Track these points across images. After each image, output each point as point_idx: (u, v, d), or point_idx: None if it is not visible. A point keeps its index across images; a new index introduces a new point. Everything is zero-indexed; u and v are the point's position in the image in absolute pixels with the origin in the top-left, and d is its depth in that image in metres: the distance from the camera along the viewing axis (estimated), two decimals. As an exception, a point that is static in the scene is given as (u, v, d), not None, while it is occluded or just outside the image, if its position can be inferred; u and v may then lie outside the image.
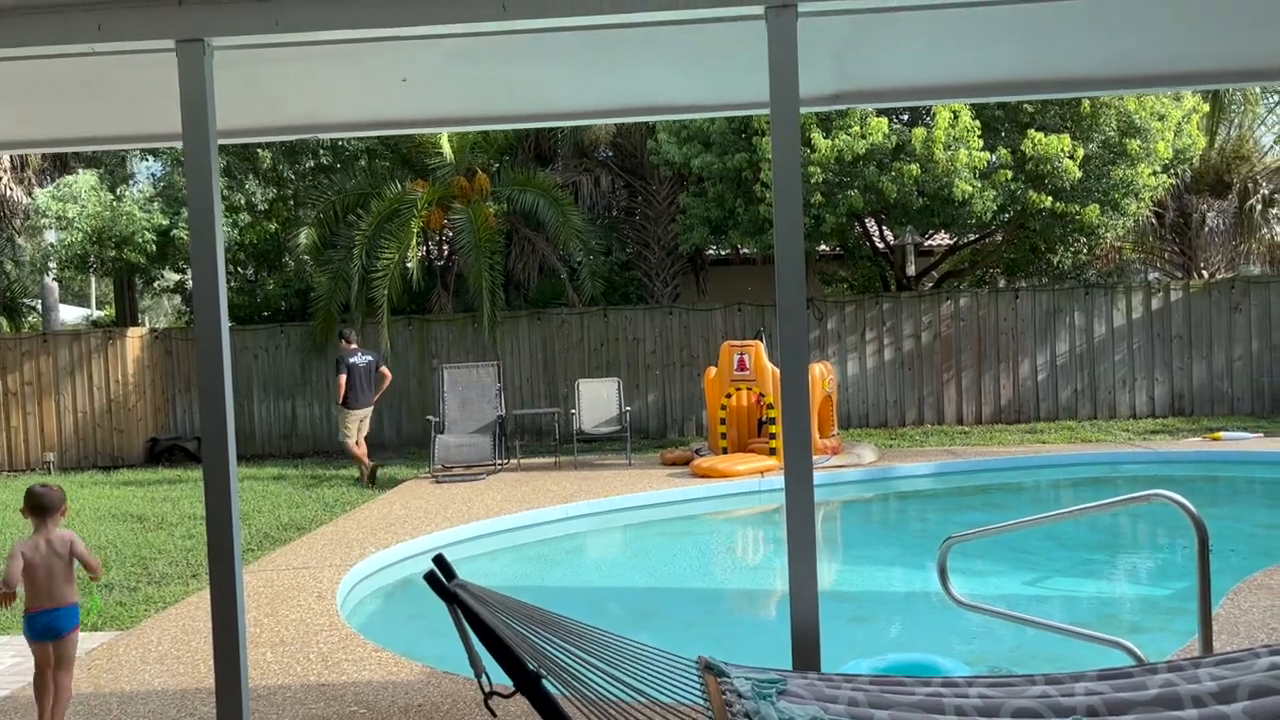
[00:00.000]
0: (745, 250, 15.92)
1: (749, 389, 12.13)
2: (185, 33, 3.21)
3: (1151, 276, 18.56)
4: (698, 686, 2.69)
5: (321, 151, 17.67)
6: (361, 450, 12.75)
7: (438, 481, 11.99)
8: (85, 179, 15.63)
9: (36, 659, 4.52)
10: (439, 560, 2.34)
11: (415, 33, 3.39)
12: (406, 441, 16.01)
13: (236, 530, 3.41)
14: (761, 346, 12.13)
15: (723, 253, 18.92)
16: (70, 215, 15.28)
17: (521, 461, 13.33)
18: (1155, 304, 15.48)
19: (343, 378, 12.64)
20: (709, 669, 2.86)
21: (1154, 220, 17.44)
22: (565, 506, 10.11)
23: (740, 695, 2.67)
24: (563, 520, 9.99)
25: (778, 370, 3.17)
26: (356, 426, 12.74)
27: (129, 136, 4.48)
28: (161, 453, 15.57)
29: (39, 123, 4.22)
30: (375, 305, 15.29)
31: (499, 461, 12.74)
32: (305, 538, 9.05)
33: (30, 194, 16.87)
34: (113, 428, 15.72)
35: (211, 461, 3.43)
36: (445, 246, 18.32)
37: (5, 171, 16.23)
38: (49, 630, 4.49)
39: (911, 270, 17.22)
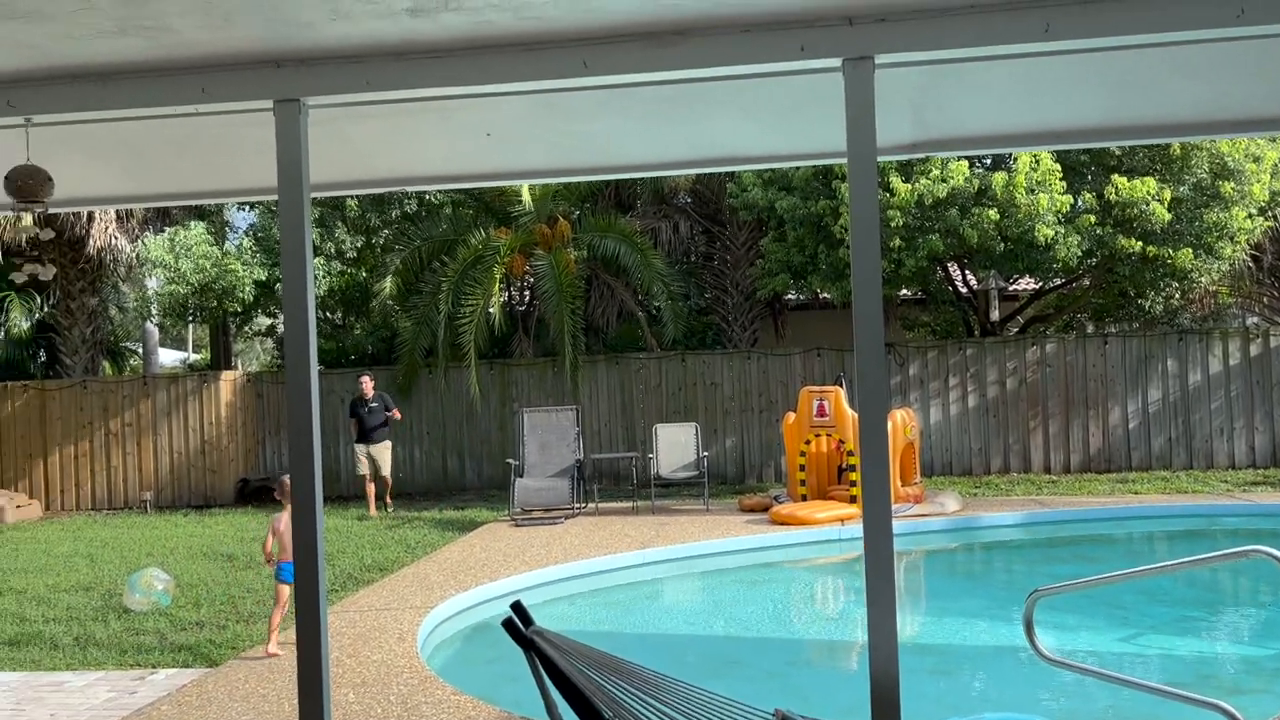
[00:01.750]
0: (825, 295, 15.84)
1: (829, 435, 12.01)
2: (283, 93, 3.36)
3: (1250, 321, 17.91)
4: (774, 739, 2.67)
5: (408, 201, 18.18)
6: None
7: (517, 525, 12.08)
8: (196, 232, 16.36)
9: (280, 597, 6.94)
10: (516, 607, 2.37)
11: (500, 89, 3.49)
12: (486, 484, 16.19)
13: (322, 571, 3.49)
14: (841, 392, 12.02)
15: (802, 297, 18.85)
16: (182, 269, 16.02)
17: (599, 506, 13.36)
18: (1254, 350, 14.93)
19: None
20: (785, 721, 2.84)
21: (1251, 264, 16.87)
22: (643, 552, 10.10)
23: (817, 749, 2.64)
24: (640, 566, 9.97)
25: (858, 416, 3.16)
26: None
27: (226, 191, 4.68)
28: (251, 493, 15.99)
29: (143, 178, 4.44)
30: (460, 350, 15.58)
31: (577, 505, 12.80)
32: (387, 579, 9.19)
33: (135, 242, 17.66)
34: (206, 468, 16.23)
35: (299, 503, 3.51)
36: (527, 292, 18.61)
37: (111, 222, 17.03)
38: (286, 576, 6.88)
39: (996, 315, 16.92)
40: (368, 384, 14.36)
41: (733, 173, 15.81)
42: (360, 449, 14.23)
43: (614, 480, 15.73)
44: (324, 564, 3.53)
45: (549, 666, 2.25)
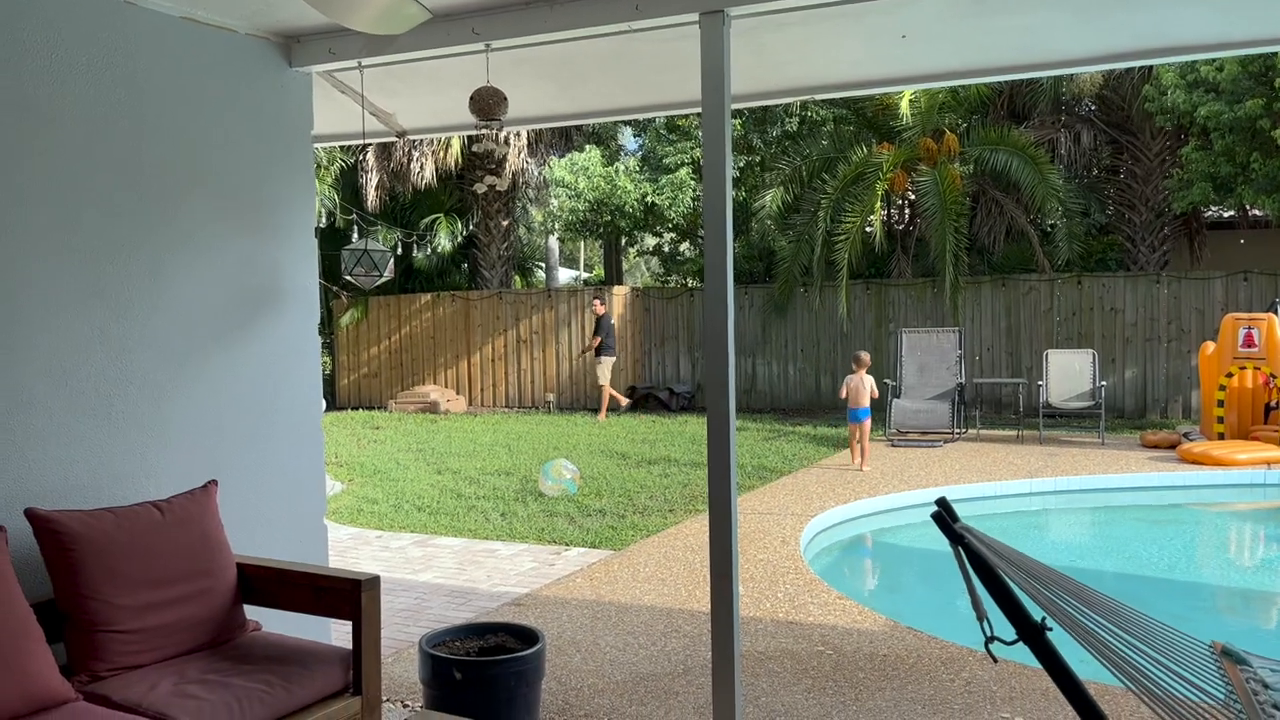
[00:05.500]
0: (1258, 211, 13.91)
1: (1256, 369, 10.66)
2: (709, 5, 3.49)
3: None
4: (1215, 670, 2.50)
5: (789, 117, 18.22)
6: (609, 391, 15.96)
7: (893, 445, 11.98)
8: (592, 154, 17.68)
9: (852, 430, 10.44)
10: (942, 503, 2.38)
11: (920, -14, 3.40)
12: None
13: (733, 470, 3.71)
14: (1276, 320, 10.58)
15: (1225, 214, 16.72)
16: (580, 187, 17.52)
17: (980, 432, 12.89)
18: None
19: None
20: (1226, 654, 2.64)
21: None
22: (1030, 481, 9.65)
23: (1266, 686, 2.43)
24: (1026, 495, 9.55)
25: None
26: (610, 370, 15.96)
27: (649, 106, 4.97)
28: (638, 400, 17.16)
29: (577, 97, 4.83)
30: (835, 268, 15.53)
31: (957, 430, 12.44)
32: (767, 486, 9.53)
33: (542, 166, 19.30)
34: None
35: (714, 407, 3.72)
36: (907, 210, 18.08)
37: (523, 149, 18.69)
38: (857, 417, 10.34)
39: None
40: (599, 306, 16.10)
41: (1150, 75, 14.20)
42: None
43: (995, 408, 15.07)
44: (735, 462, 3.74)
45: (977, 563, 2.25)
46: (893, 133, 16.34)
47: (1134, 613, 2.48)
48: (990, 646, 2.26)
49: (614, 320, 16.46)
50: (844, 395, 10.50)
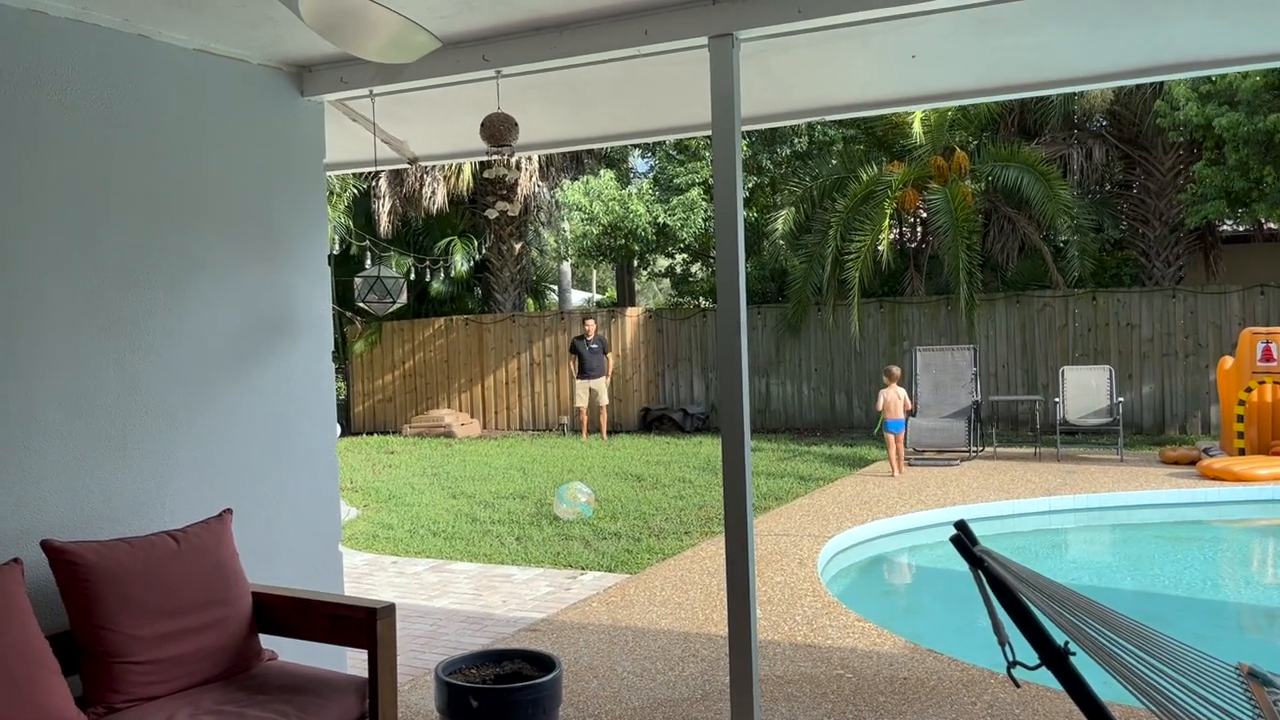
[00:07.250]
0: (1272, 225, 13.84)
1: (1276, 383, 10.56)
2: (718, 29, 3.51)
3: None
4: (1241, 692, 2.45)
5: (798, 138, 18.25)
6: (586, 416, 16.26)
7: (909, 464, 11.91)
8: (606, 178, 17.80)
9: (890, 444, 11.04)
10: (961, 525, 2.36)
11: (928, 8, 3.40)
12: (875, 422, 16.06)
13: (749, 489, 3.69)
14: (1293, 334, 10.50)
15: (1241, 228, 16.62)
16: (595, 212, 17.67)
17: (997, 450, 12.81)
18: None
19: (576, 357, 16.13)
20: (1253, 676, 2.59)
21: None
22: (1048, 499, 9.56)
23: (1295, 709, 2.38)
24: (1044, 514, 9.46)
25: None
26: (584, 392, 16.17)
27: (658, 130, 4.98)
28: (652, 421, 17.14)
29: (587, 121, 4.85)
30: (847, 287, 15.51)
31: (973, 448, 12.36)
32: (783, 508, 9.48)
33: (554, 190, 19.37)
34: (613, 397, 17.57)
35: (729, 428, 3.70)
36: (919, 228, 18.06)
37: (534, 172, 18.76)
38: (892, 428, 10.99)
39: None
40: (591, 326, 16.19)
41: (1162, 89, 14.17)
42: (581, 384, 16.10)
43: (1011, 425, 14.97)
44: (751, 483, 3.72)
45: (997, 587, 2.23)
46: (903, 151, 16.35)
47: (1157, 634, 2.44)
48: (1013, 671, 2.23)
49: (592, 340, 16.44)
50: (880, 408, 11.17)
